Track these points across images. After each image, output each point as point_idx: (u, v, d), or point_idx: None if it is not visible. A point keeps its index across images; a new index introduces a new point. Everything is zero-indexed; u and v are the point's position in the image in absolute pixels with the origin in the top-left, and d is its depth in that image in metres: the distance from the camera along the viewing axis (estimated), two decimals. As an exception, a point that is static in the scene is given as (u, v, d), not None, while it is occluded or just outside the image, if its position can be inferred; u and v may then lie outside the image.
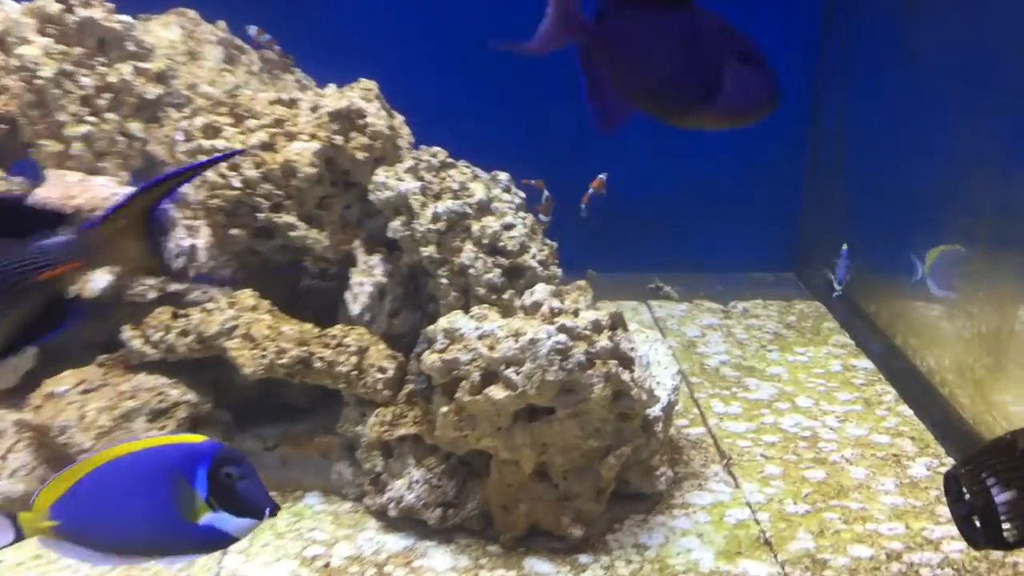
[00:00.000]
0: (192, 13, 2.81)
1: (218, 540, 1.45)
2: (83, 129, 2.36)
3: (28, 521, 1.43)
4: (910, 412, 2.58)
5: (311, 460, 2.38)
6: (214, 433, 2.24)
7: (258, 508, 1.44)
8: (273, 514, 1.46)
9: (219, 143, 2.24)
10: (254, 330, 2.16)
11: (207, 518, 1.42)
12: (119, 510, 1.41)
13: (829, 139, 3.43)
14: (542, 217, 2.89)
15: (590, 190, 3.06)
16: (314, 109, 2.31)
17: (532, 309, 2.11)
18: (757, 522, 2.18)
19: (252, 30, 2.84)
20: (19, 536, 1.46)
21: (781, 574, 2.01)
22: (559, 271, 2.34)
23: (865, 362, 2.87)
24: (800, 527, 2.16)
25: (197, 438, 1.44)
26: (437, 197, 2.27)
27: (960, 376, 2.47)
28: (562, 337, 1.99)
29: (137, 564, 1.63)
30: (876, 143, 3.15)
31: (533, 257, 2.24)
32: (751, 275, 3.56)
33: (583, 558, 2.05)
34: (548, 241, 2.34)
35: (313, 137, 2.27)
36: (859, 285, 3.19)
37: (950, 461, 2.38)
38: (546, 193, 2.95)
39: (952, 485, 1.89)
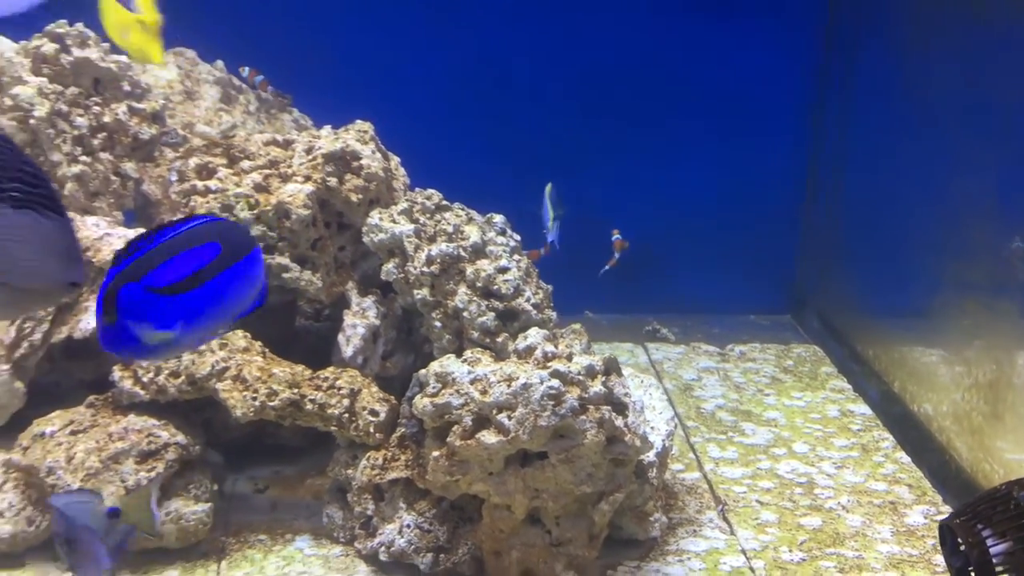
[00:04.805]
0: (190, 53, 2.82)
1: None
2: (76, 169, 2.36)
3: None
4: (907, 459, 2.55)
5: (302, 502, 2.36)
6: (204, 475, 2.21)
7: None
8: None
9: (213, 184, 2.24)
10: (245, 372, 2.14)
11: None
12: None
13: (827, 178, 3.40)
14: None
15: (616, 254, 3.10)
16: (309, 151, 2.31)
17: (525, 353, 2.09)
18: (752, 570, 2.15)
19: (245, 71, 2.85)
20: None
21: (776, 625, 1.98)
22: (554, 314, 2.33)
23: (863, 407, 2.84)
24: (795, 575, 2.13)
25: None
26: (431, 240, 2.27)
27: (957, 423, 2.44)
28: (555, 382, 1.97)
29: None
30: (876, 183, 3.12)
31: (527, 300, 2.23)
32: (748, 318, 3.54)
33: (575, 607, 2.03)
34: (543, 284, 2.33)
35: (307, 179, 2.26)
36: (857, 328, 3.17)
37: (947, 509, 2.35)
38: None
39: (947, 536, 1.87)
